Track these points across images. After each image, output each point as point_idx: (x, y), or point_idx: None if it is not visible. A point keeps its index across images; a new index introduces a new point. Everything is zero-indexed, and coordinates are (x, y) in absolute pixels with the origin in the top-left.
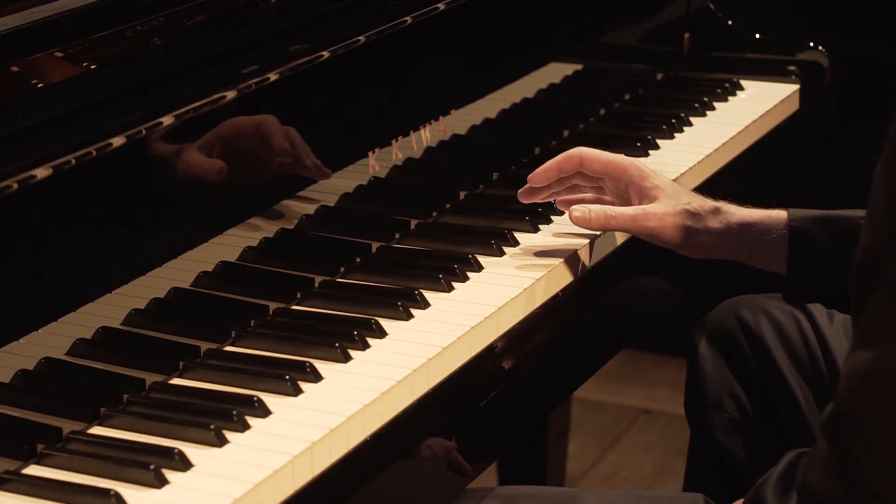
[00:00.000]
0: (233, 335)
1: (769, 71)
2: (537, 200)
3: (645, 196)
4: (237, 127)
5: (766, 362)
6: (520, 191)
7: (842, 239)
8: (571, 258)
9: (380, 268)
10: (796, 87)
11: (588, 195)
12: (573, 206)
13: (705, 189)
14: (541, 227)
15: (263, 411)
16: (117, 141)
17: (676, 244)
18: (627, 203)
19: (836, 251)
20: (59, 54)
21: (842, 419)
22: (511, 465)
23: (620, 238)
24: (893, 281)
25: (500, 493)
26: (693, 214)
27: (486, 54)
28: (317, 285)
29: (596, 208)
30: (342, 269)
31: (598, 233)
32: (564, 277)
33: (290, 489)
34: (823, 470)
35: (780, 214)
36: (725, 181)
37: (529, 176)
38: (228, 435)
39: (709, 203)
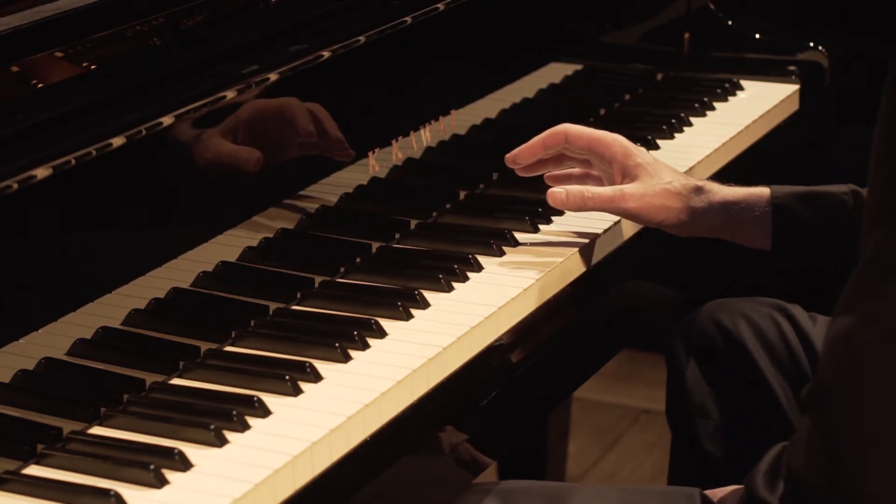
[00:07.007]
0: (233, 335)
1: (769, 71)
2: (523, 172)
3: (627, 174)
4: (260, 111)
5: (746, 366)
6: (507, 158)
7: (825, 214)
8: (572, 258)
9: (380, 268)
10: (796, 87)
11: (575, 170)
12: (550, 190)
13: None
14: (541, 227)
15: (263, 411)
16: (117, 141)
17: (657, 223)
18: (614, 179)
19: (819, 226)
20: (59, 54)
21: (822, 388)
22: (511, 466)
23: (621, 238)
24: (876, 251)
25: (495, 488)
26: (674, 194)
27: (486, 54)
28: (317, 285)
29: (573, 189)
30: (342, 269)
31: (599, 232)
32: (564, 277)
33: (290, 489)
34: (806, 451)
35: (762, 191)
36: (725, 181)
37: (516, 154)
38: (228, 435)
39: (691, 182)
